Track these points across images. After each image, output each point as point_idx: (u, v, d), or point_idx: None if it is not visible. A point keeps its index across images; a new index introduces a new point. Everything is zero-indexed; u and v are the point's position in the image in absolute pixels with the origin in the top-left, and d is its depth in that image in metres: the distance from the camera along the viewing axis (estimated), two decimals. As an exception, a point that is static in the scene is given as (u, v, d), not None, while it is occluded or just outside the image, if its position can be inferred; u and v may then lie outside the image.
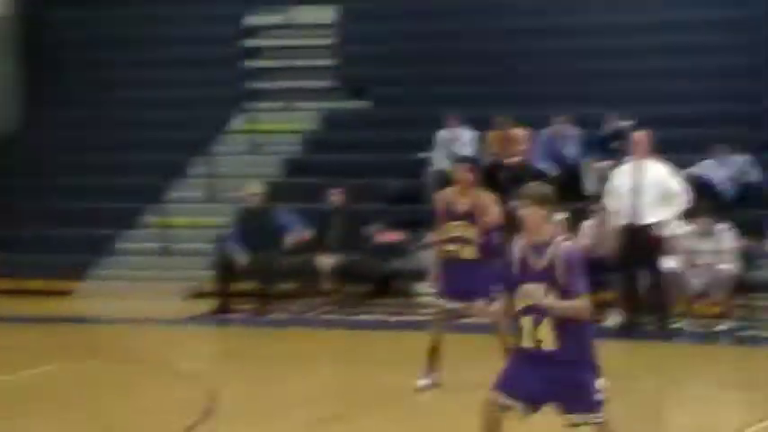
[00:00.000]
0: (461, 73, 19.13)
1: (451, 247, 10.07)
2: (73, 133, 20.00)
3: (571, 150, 16.16)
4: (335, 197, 15.53)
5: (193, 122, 19.03)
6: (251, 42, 21.30)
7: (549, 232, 6.51)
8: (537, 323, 6.43)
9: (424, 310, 12.82)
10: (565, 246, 6.46)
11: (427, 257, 15.02)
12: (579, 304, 6.35)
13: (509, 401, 6.43)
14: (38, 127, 20.89)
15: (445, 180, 16.20)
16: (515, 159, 16.28)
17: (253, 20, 21.30)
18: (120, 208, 18.25)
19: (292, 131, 19.46)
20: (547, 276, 6.40)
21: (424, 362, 10.24)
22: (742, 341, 13.09)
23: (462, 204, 10.15)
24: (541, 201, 6.56)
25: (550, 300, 6.37)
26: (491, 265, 9.74)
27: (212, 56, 20.66)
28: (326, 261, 15.19)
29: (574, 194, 15.20)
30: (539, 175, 16.04)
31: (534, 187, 6.73)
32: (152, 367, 11.98)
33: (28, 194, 18.85)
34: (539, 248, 6.47)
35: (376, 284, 15.73)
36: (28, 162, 19.72)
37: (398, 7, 20.29)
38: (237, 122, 19.89)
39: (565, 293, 6.36)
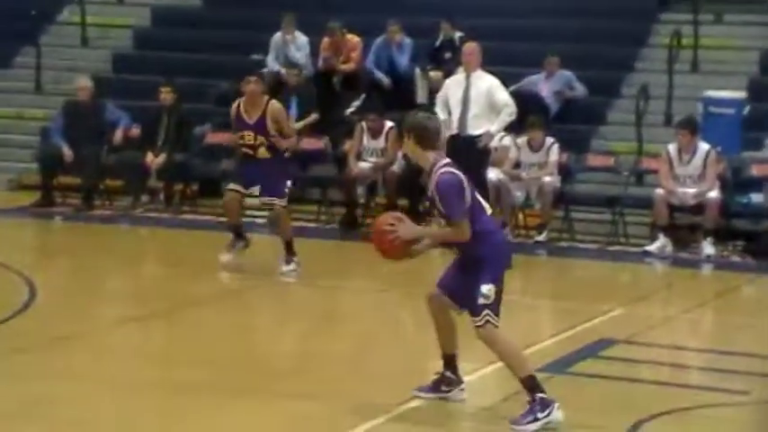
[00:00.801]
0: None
1: (247, 150, 11.17)
2: None
3: (403, 59, 16.27)
4: (165, 95, 15.34)
5: (22, 11, 18.45)
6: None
7: (428, 162, 6.97)
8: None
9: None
10: (436, 176, 6.91)
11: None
12: (447, 232, 6.92)
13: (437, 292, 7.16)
14: None
15: (277, 83, 16.25)
16: (348, 66, 16.32)
17: None
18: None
19: (123, 26, 19.07)
20: (432, 204, 7.09)
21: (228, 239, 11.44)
22: (558, 252, 13.56)
23: (252, 116, 11.13)
24: (407, 130, 7.02)
25: (422, 230, 7.46)
26: (282, 162, 11.22)
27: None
28: (154, 159, 15.05)
29: (405, 103, 15.31)
30: (371, 83, 16.21)
31: (408, 117, 7.20)
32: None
33: None
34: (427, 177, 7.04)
35: (203, 185, 15.66)
36: None
37: None
38: (67, 14, 19.37)
39: (445, 219, 6.94)
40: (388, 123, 14.34)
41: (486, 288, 6.86)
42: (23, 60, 18.52)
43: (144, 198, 15.28)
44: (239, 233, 11.52)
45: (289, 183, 11.36)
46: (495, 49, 14.64)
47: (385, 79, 16.18)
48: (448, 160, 7.06)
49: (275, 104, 11.33)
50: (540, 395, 6.79)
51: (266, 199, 11.26)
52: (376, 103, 15.25)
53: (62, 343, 8.42)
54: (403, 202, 14.11)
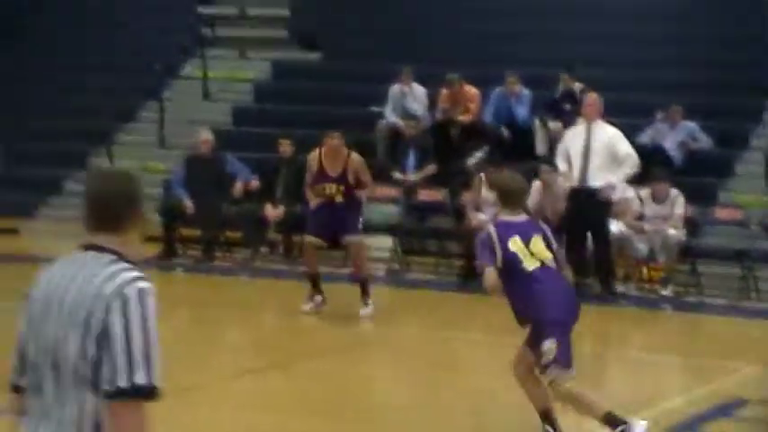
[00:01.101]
0: (414, 28, 19.06)
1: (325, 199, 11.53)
2: (22, 76, 19.74)
3: (522, 110, 16.15)
4: (284, 147, 15.44)
5: (146, 67, 18.81)
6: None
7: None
8: None
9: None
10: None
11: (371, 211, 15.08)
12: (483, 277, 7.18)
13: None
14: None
15: (394, 134, 16.27)
16: (467, 117, 16.26)
17: (208, -33, 21.10)
18: (70, 150, 18.08)
19: (244, 80, 19.33)
20: None
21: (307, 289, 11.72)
22: (684, 307, 13.21)
23: (334, 169, 11.49)
24: (492, 186, 7.87)
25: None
26: (355, 201, 11.57)
27: (167, 1, 20.45)
28: (273, 211, 15.13)
29: (525, 155, 15.20)
30: (489, 134, 16.10)
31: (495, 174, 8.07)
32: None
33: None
34: None
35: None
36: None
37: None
38: (190, 69, 19.71)
39: None
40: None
41: (547, 345, 6.89)
42: (147, 114, 18.87)
43: (263, 250, 15.36)
44: (316, 284, 11.78)
45: (361, 219, 11.70)
46: (615, 99, 14.42)
47: (504, 131, 16.07)
48: (512, 219, 7.28)
49: (356, 157, 11.62)
50: (622, 427, 6.83)
51: (343, 239, 11.39)
52: (495, 154, 15.14)
53: (183, 393, 8.41)
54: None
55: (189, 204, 15.21)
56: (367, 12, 19.55)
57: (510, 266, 7.06)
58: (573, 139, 13.26)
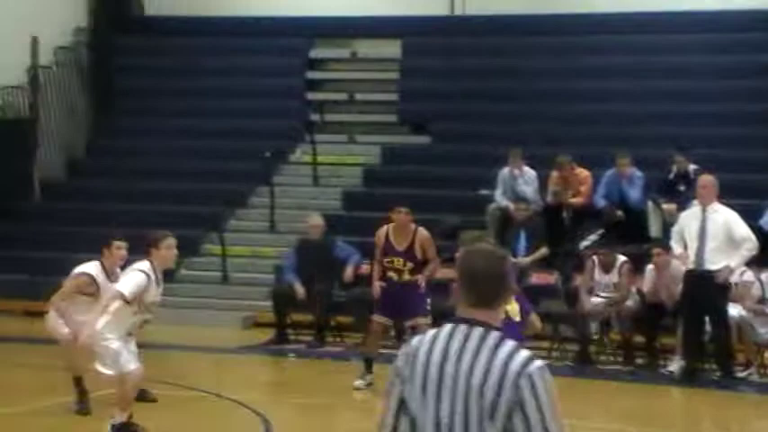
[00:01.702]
0: (523, 111, 19.04)
1: (392, 274, 11.65)
2: (135, 161, 20.13)
3: (635, 192, 15.96)
4: (395, 231, 15.42)
5: (256, 152, 19.05)
6: (315, 74, 21.36)
7: None
8: None
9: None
10: None
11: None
12: None
13: None
14: (101, 155, 21.08)
15: (505, 218, 16.20)
16: (578, 200, 16.13)
17: (317, 52, 21.37)
18: (181, 235, 18.22)
19: (353, 164, 19.46)
20: None
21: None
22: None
23: (401, 244, 11.75)
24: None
25: None
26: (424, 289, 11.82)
27: (276, 87, 20.74)
28: (385, 295, 15.08)
29: (637, 237, 15.01)
30: (602, 217, 15.93)
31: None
32: (208, 395, 11.94)
33: (89, 220, 18.93)
34: None
35: (435, 320, 15.58)
36: (90, 188, 19.86)
37: (461, 44, 20.25)
38: (300, 154, 19.91)
39: None
40: (621, 258, 14.02)
41: None
42: (258, 200, 19.05)
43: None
44: (370, 364, 11.97)
45: (429, 300, 11.81)
46: (731, 180, 14.18)
47: (617, 213, 15.88)
48: None
49: (423, 232, 11.79)
50: None
51: (411, 321, 11.42)
52: (608, 237, 14.97)
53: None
54: (638, 338, 13.66)
55: (300, 289, 15.26)
56: (475, 95, 19.59)
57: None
58: (688, 221, 13.04)
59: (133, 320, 9.75)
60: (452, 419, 3.55)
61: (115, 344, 9.49)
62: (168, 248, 9.87)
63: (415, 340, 3.74)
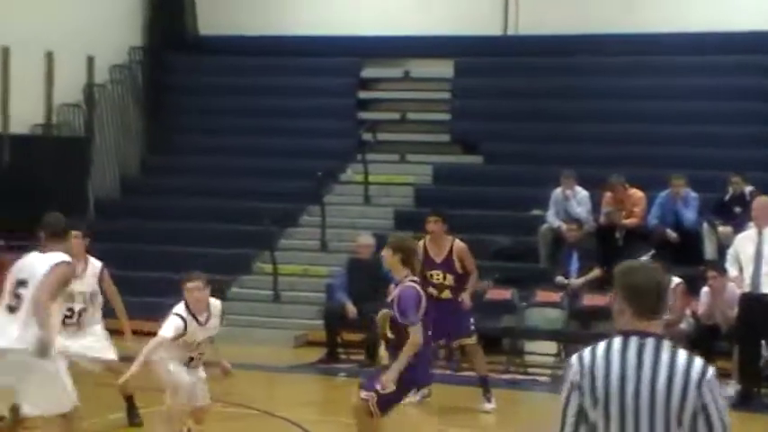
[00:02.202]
0: (575, 131, 18.97)
1: (432, 290, 11.25)
2: (188, 179, 20.25)
3: (689, 213, 15.82)
4: (446, 251, 15.38)
5: (308, 171, 19.11)
6: (367, 94, 21.41)
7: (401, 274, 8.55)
8: None
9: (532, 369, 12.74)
10: (402, 287, 8.53)
11: (534, 315, 14.91)
12: (410, 344, 8.57)
13: None
14: (155, 173, 21.24)
15: (557, 238, 16.11)
16: (632, 221, 16.01)
17: (369, 72, 21.42)
18: (233, 254, 18.37)
19: (405, 184, 19.45)
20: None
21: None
22: None
23: (439, 256, 11.64)
24: (394, 247, 8.51)
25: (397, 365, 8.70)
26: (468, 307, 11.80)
27: (328, 106, 20.81)
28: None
29: (691, 259, 14.87)
30: (655, 238, 15.80)
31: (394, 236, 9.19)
32: (259, 412, 11.96)
33: (142, 238, 19.08)
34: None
35: (485, 341, 15.50)
36: (144, 206, 20.00)
37: (513, 63, 20.23)
38: (351, 173, 19.94)
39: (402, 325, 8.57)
40: (676, 279, 13.88)
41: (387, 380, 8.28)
42: (309, 219, 19.10)
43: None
44: (486, 386, 11.93)
45: (472, 319, 11.76)
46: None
47: (671, 234, 15.75)
48: (415, 278, 8.55)
49: (460, 244, 11.64)
50: None
51: (456, 342, 11.37)
52: (661, 258, 14.82)
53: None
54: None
55: (351, 308, 15.26)
56: (527, 115, 19.55)
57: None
58: (743, 243, 12.91)
59: (187, 354, 9.63)
60: (638, 426, 3.85)
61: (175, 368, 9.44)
62: (190, 291, 9.39)
63: (586, 354, 4.06)
